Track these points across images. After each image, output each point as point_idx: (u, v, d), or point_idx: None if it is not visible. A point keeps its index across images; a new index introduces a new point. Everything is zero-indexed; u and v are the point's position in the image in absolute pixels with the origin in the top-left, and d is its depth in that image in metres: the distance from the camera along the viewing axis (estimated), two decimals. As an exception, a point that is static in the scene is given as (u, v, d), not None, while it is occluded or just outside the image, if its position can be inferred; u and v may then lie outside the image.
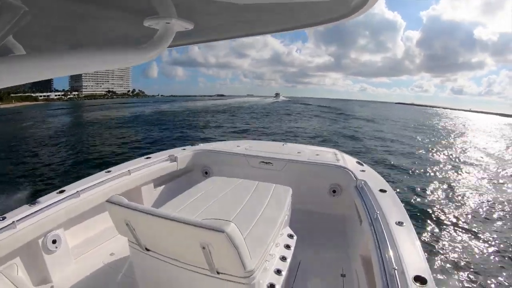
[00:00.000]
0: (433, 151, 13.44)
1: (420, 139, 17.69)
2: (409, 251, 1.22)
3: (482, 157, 13.03)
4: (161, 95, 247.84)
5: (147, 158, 2.60)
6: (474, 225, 5.36)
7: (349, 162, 2.60)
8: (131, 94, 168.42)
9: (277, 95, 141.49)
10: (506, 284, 3.60)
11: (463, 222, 5.44)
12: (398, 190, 6.67)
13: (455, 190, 7.50)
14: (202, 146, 3.07)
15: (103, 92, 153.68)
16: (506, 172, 9.82)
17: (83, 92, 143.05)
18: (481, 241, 4.73)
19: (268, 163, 2.65)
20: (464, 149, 15.25)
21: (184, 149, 2.95)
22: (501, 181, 8.67)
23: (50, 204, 1.70)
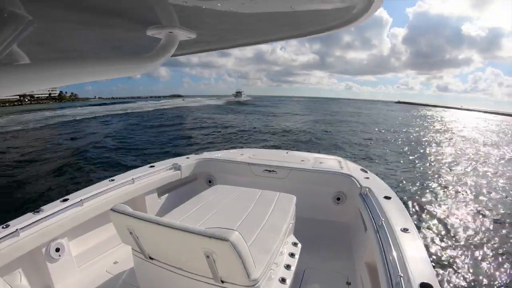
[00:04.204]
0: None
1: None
2: (414, 258, 1.20)
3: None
4: (99, 98, 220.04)
5: (151, 166, 2.62)
6: (483, 230, 5.22)
7: (353, 169, 2.58)
8: (57, 98, 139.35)
9: (238, 93, 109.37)
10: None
11: (471, 228, 5.30)
12: (403, 196, 6.53)
13: (465, 195, 7.32)
14: (205, 154, 3.08)
15: (16, 97, 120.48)
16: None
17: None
18: (489, 246, 4.61)
19: (272, 171, 2.64)
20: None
21: (187, 157, 2.96)
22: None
23: (54, 213, 1.70)
